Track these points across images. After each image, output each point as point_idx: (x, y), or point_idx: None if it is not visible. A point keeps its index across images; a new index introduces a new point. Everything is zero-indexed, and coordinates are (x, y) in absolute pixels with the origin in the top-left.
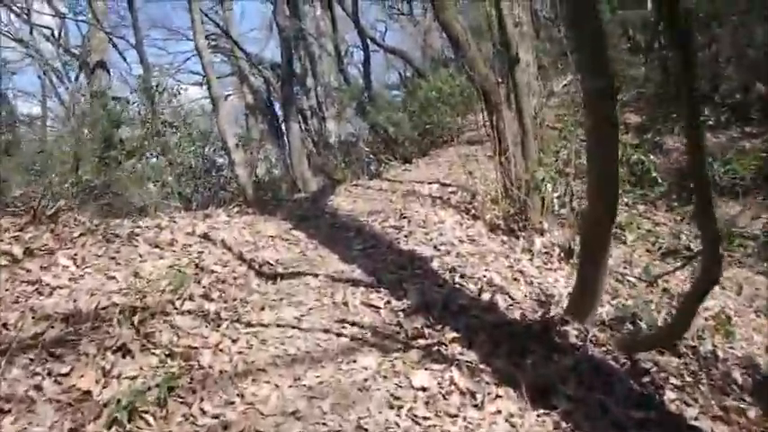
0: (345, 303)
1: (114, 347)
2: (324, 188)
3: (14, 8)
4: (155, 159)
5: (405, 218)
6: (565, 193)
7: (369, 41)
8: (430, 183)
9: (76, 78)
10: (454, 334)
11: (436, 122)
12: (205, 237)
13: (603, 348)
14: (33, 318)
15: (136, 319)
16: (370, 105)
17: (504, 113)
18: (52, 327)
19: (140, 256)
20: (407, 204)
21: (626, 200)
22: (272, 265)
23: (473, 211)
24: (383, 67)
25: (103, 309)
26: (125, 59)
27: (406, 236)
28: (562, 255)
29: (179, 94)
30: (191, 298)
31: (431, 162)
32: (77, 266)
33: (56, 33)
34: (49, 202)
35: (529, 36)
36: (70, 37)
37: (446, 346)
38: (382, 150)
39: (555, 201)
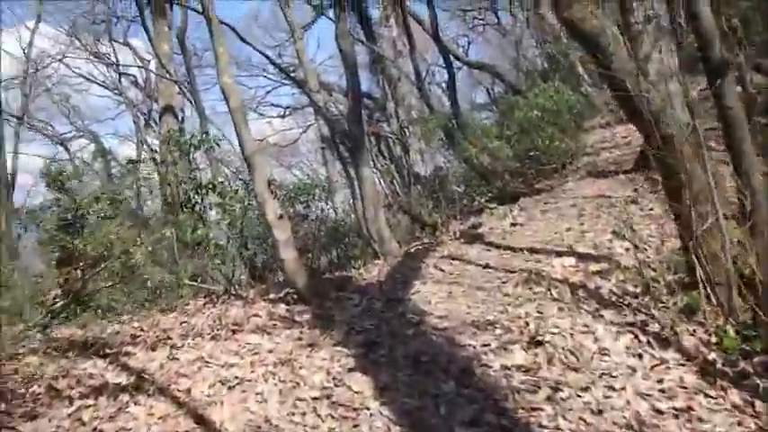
0: None
1: None
2: (404, 262)
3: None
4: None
5: (536, 343)
6: None
7: (452, 58)
8: (559, 253)
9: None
10: None
11: (542, 148)
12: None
13: None
14: None
15: None
16: (459, 133)
17: (695, 161)
18: None
19: None
20: (534, 302)
21: None
22: None
23: (651, 323)
24: (468, 86)
25: None
26: (192, 103)
27: (548, 398)
28: None
29: (218, 145)
30: None
31: (547, 206)
32: None
33: (140, 80)
34: None
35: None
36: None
37: None
38: (478, 185)
39: None
